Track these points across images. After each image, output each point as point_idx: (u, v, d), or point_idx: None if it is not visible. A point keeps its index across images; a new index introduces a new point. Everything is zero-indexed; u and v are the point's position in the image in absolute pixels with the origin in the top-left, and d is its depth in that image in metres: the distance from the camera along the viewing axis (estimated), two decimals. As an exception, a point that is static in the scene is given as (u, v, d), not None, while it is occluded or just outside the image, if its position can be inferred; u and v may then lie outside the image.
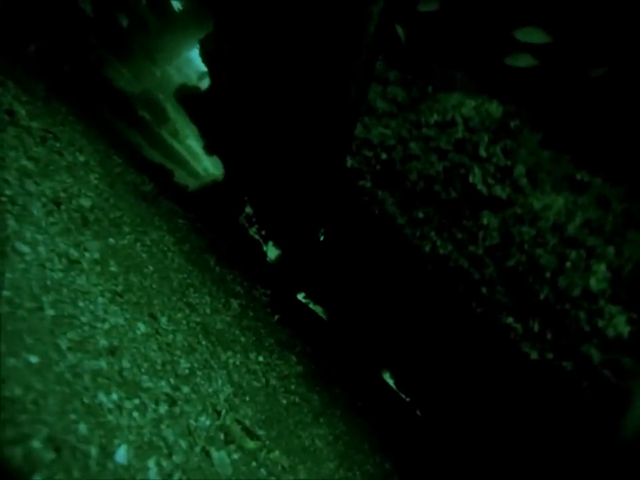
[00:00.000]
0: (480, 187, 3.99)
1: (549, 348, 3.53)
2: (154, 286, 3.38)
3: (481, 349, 3.98)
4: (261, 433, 2.85)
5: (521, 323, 3.56)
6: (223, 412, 2.62)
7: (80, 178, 4.01)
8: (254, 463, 2.44)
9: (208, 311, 3.84)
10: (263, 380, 3.59)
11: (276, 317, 5.34)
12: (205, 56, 8.76)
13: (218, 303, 4.24)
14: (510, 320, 3.60)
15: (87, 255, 2.85)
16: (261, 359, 3.89)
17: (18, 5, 6.85)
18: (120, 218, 4.07)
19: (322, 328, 6.67)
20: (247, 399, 3.08)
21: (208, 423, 2.42)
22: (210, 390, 2.77)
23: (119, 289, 2.84)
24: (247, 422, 2.83)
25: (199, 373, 2.81)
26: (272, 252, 9.27)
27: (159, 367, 2.44)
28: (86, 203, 3.53)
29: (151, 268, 3.58)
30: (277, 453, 2.73)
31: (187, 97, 9.37)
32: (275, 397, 3.47)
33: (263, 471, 2.45)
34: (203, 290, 4.15)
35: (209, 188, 9.37)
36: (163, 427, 2.01)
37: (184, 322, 3.27)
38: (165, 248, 4.36)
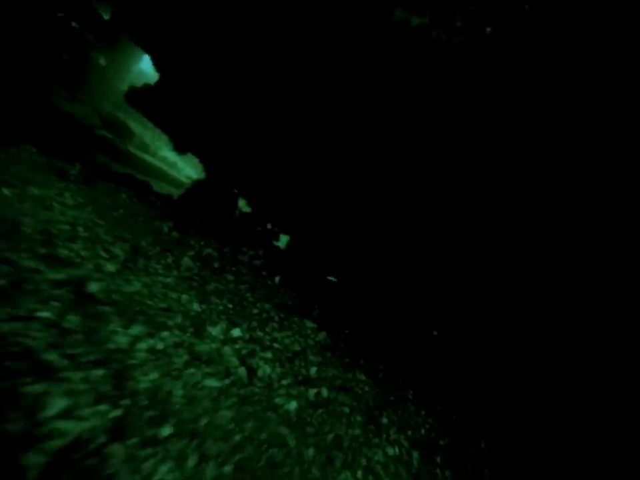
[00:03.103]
0: None
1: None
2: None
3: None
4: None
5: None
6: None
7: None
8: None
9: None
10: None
11: (276, 279, 5.14)
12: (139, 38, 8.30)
13: (155, 263, 4.40)
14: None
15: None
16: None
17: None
18: None
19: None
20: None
21: None
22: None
23: None
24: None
25: None
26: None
27: None
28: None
29: None
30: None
31: (138, 98, 8.80)
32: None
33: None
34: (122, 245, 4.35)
35: (192, 189, 9.01)
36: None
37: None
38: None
